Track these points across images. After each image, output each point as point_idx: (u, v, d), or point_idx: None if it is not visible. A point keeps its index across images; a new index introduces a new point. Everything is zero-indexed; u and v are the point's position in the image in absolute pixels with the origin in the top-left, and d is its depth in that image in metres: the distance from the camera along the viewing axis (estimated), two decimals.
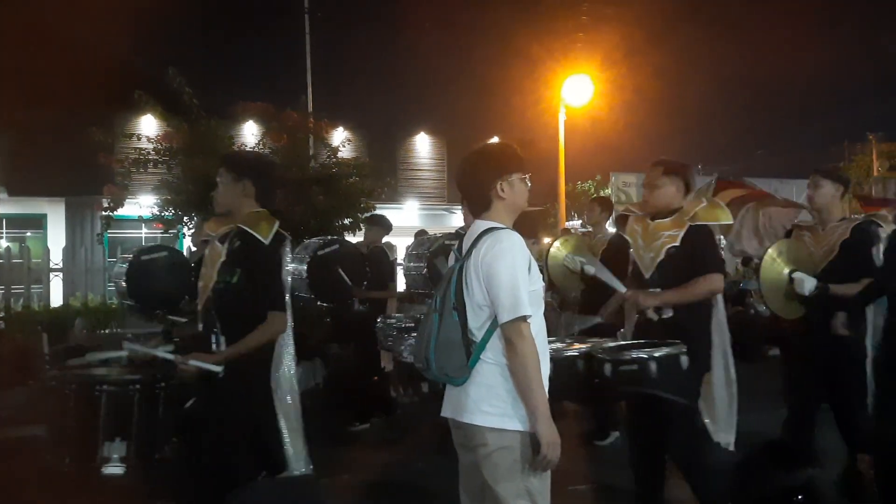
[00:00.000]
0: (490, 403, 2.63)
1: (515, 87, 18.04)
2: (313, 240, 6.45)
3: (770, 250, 4.32)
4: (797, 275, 4.20)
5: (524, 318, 2.58)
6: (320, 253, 5.93)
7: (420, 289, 5.79)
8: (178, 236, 9.72)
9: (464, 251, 2.75)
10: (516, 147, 2.90)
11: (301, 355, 8.45)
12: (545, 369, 2.67)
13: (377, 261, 6.58)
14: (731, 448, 4.20)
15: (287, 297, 3.53)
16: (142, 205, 9.28)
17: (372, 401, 6.55)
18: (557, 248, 6.06)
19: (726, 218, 3.98)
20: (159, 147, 8.55)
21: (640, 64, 18.16)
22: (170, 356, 3.39)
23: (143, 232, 17.30)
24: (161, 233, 10.03)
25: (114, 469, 3.52)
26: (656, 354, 3.31)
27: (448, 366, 2.64)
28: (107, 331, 9.27)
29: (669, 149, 24.42)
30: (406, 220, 19.17)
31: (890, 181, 16.45)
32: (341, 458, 5.49)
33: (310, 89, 15.38)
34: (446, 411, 2.76)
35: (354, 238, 9.40)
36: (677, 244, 3.83)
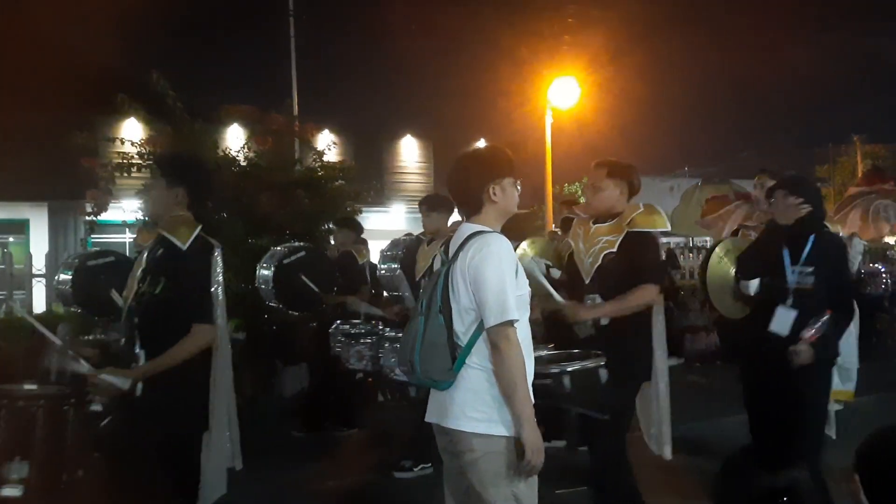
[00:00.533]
0: (476, 409, 2.61)
1: (502, 89, 18.00)
2: (279, 248, 6.35)
3: (717, 249, 4.22)
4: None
5: (511, 323, 2.58)
6: (286, 261, 5.81)
7: (393, 291, 5.76)
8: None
9: (450, 254, 2.73)
10: (508, 151, 2.88)
11: (287, 360, 8.43)
12: (530, 374, 2.65)
13: (347, 265, 6.46)
14: (668, 457, 4.16)
15: (219, 308, 3.23)
16: (126, 209, 9.20)
17: (343, 408, 6.46)
18: (524, 251, 5.92)
19: (663, 224, 3.86)
20: (143, 151, 8.48)
21: (627, 66, 18.20)
22: (84, 368, 3.11)
23: (127, 237, 17.18)
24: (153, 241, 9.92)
25: (10, 491, 3.12)
26: (569, 369, 3.17)
27: (433, 369, 2.62)
28: (90, 336, 9.18)
29: (655, 150, 24.50)
30: (392, 223, 19.15)
31: None
32: (327, 463, 5.46)
33: (295, 92, 15.34)
34: (431, 416, 2.75)
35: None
36: (614, 250, 3.74)
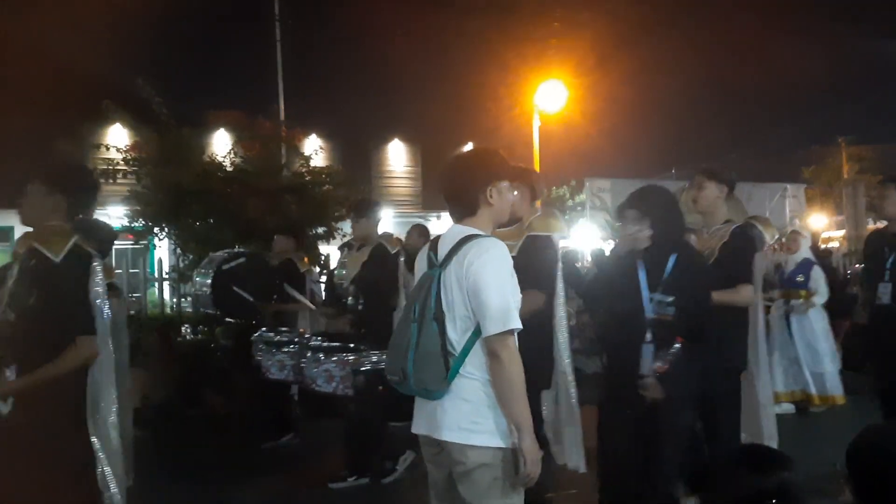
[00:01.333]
0: (470, 420, 2.54)
1: (489, 93, 18.03)
2: (218, 253, 6.21)
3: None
4: None
5: (512, 332, 2.50)
6: (225, 267, 5.59)
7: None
8: (149, 247, 9.58)
9: (440, 257, 2.64)
10: (505, 154, 2.81)
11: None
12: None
13: (288, 273, 6.25)
14: (583, 470, 4.10)
15: (102, 320, 3.07)
16: (111, 215, 9.14)
17: (274, 420, 6.23)
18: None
19: (559, 228, 3.77)
20: (129, 157, 8.44)
21: (613, 69, 18.26)
22: None
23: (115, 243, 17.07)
24: (131, 244, 9.89)
25: None
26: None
27: (427, 378, 2.53)
28: None
29: (642, 152, 24.61)
30: (380, 227, 19.09)
31: (860, 184, 16.65)
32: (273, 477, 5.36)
33: (281, 98, 15.28)
34: (419, 428, 2.67)
35: (329, 247, 9.36)
36: (515, 255, 3.48)
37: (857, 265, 13.76)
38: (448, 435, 2.55)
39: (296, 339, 5.08)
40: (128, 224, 8.58)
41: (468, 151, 2.99)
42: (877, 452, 1.90)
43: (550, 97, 16.48)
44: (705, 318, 3.51)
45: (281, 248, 6.57)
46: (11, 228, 19.08)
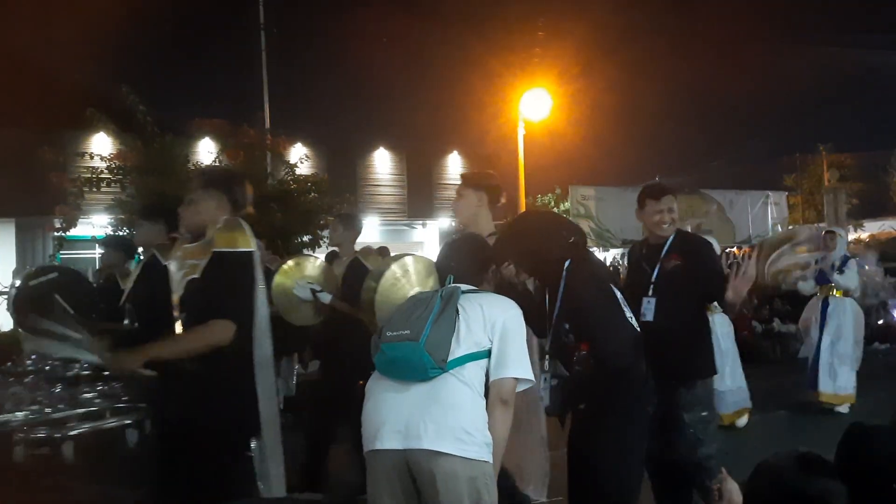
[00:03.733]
0: (465, 431, 2.53)
1: (474, 102, 18.09)
2: (29, 267, 5.77)
3: (393, 266, 3.26)
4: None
5: (517, 381, 2.65)
6: (32, 283, 4.69)
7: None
8: (133, 255, 9.53)
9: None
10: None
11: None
12: None
13: (111, 290, 5.38)
14: (544, 500, 3.95)
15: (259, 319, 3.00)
16: (95, 224, 9.10)
17: None
18: (285, 273, 4.70)
19: (245, 243, 3.02)
20: (113, 165, 8.41)
21: (597, 77, 18.39)
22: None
23: (97, 252, 16.96)
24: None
25: None
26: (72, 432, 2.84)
27: (435, 349, 2.55)
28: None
29: (626, 160, 24.73)
30: (367, 236, 19.06)
31: (840, 191, 16.85)
32: None
33: (266, 106, 15.25)
34: (387, 442, 2.54)
35: (315, 253, 9.35)
36: (197, 276, 2.98)
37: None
38: (438, 445, 2.50)
39: (38, 370, 4.37)
40: (112, 232, 8.54)
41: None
42: (865, 451, 1.93)
43: (535, 105, 16.54)
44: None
45: (108, 262, 5.73)
46: None
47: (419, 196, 21.40)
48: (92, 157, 8.57)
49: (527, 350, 2.69)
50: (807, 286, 7.26)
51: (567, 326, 3.11)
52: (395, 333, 2.61)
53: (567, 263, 3.12)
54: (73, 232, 8.77)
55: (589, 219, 14.61)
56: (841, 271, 7.30)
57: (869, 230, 23.70)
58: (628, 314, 3.16)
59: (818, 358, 7.24)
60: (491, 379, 2.63)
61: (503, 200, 3.97)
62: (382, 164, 21.63)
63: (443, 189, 21.73)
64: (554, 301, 3.16)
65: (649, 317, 3.77)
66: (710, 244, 4.11)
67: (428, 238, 22.50)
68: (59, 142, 10.52)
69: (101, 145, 10.62)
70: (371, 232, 20.55)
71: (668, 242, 3.87)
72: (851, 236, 18.46)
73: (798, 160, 25.70)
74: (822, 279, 7.37)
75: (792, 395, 7.65)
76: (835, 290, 7.33)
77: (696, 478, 3.70)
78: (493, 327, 2.65)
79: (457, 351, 2.58)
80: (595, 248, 13.99)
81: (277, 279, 4.68)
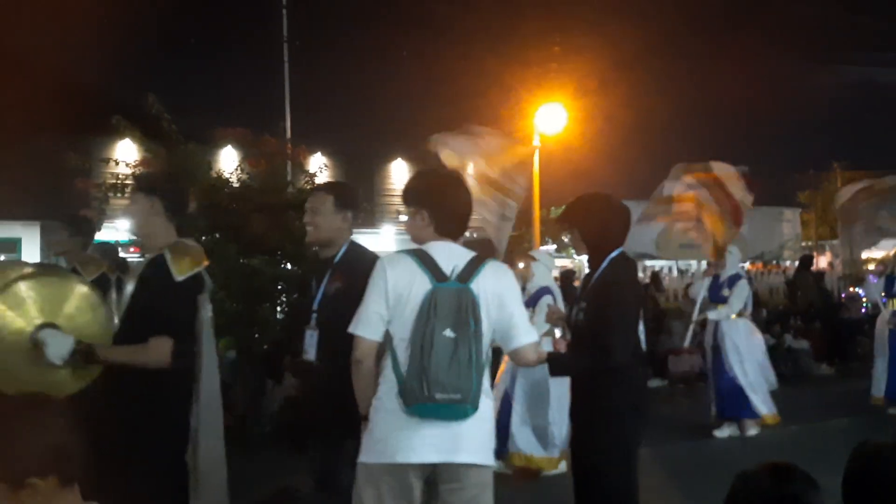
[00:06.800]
0: (489, 439, 2.63)
1: (490, 115, 18.25)
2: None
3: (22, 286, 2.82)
4: (45, 333, 2.87)
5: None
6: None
7: None
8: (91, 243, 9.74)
9: (449, 272, 2.66)
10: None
11: (278, 380, 8.44)
12: None
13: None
14: None
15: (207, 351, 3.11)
16: (119, 229, 9.30)
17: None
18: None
19: (186, 268, 3.12)
20: (137, 172, 8.59)
21: (613, 92, 18.53)
22: None
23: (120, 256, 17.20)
24: (138, 256, 10.03)
25: None
26: None
27: (476, 394, 2.53)
28: None
29: (641, 174, 24.79)
30: (383, 244, 19.25)
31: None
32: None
33: (288, 116, 15.49)
34: (424, 456, 2.55)
35: None
36: (140, 291, 3.18)
37: (850, 288, 13.93)
38: (474, 457, 2.56)
39: None
40: (134, 237, 8.73)
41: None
42: (871, 471, 1.89)
43: (550, 119, 16.70)
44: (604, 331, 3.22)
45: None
46: (19, 240, 19.30)
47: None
48: (117, 164, 8.76)
49: (524, 308, 2.84)
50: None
51: (583, 305, 3.33)
52: (445, 396, 2.49)
53: (614, 254, 3.34)
54: (97, 236, 8.96)
55: None
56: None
57: (883, 247, 23.58)
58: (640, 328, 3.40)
59: None
60: (512, 347, 2.73)
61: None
62: (399, 174, 21.84)
63: None
64: (588, 281, 3.41)
65: (311, 355, 3.31)
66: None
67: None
68: (84, 148, 10.75)
69: (127, 152, 10.86)
70: (387, 241, 20.72)
71: (338, 257, 3.54)
72: (865, 254, 18.39)
73: (812, 177, 25.63)
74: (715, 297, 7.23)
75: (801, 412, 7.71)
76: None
77: None
78: (492, 308, 2.67)
79: (484, 360, 2.62)
80: None
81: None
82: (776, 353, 11.12)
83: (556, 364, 3.27)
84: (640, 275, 21.28)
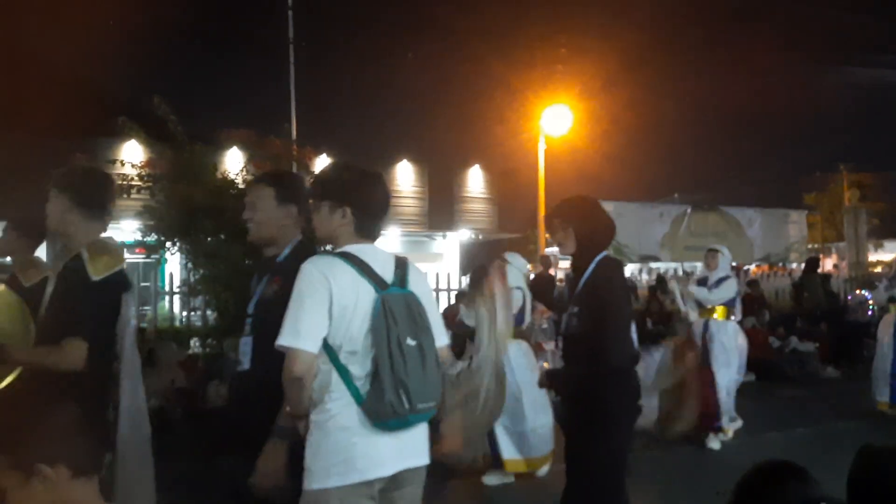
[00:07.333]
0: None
1: (496, 117, 18.30)
2: None
3: None
4: None
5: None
6: None
7: None
8: (160, 261, 9.78)
9: (386, 277, 2.58)
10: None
11: None
12: None
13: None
14: None
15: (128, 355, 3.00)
16: (125, 230, 9.33)
17: None
18: None
19: (103, 269, 3.00)
20: (143, 173, 8.62)
21: (618, 94, 18.53)
22: None
23: (126, 257, 17.25)
24: (143, 258, 10.08)
25: None
26: None
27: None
28: None
29: (646, 176, 24.81)
30: (387, 246, 19.25)
31: (861, 211, 16.79)
32: None
33: (294, 117, 15.51)
34: (395, 465, 2.47)
35: None
36: (55, 292, 3.04)
37: (857, 290, 13.89)
38: (426, 457, 2.57)
39: None
40: (140, 238, 8.76)
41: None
42: (877, 474, 1.89)
43: (556, 121, 16.72)
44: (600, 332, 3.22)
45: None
46: None
47: (440, 208, 21.59)
48: (123, 165, 8.77)
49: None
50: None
51: (576, 310, 3.32)
52: (425, 406, 2.45)
53: (600, 256, 3.38)
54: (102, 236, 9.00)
55: None
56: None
57: (889, 250, 23.54)
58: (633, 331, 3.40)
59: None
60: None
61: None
62: (405, 175, 21.87)
63: (464, 202, 21.90)
64: (575, 286, 3.40)
65: (245, 364, 2.99)
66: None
67: (448, 249, 22.67)
68: (91, 149, 10.78)
69: (133, 153, 10.90)
70: (392, 243, 20.76)
71: (281, 256, 3.14)
72: (872, 257, 18.36)
73: (819, 179, 25.60)
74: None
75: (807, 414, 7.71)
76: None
77: None
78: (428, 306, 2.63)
79: None
80: None
81: None
82: (782, 356, 11.10)
83: (556, 379, 3.28)
84: (646, 277, 21.27)
